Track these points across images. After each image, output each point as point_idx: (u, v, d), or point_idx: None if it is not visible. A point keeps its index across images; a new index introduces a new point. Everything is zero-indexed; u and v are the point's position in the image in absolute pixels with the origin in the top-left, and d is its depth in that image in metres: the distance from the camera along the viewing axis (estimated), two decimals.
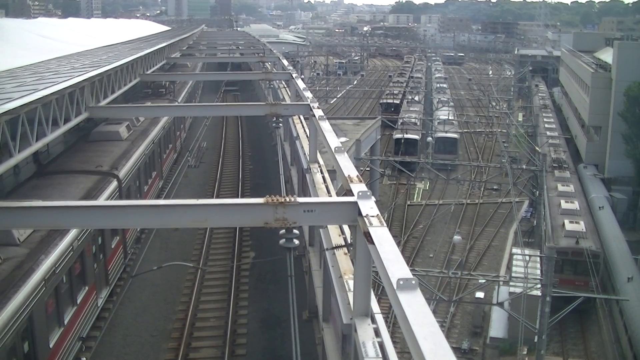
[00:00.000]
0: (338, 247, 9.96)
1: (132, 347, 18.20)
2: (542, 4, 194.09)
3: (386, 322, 7.13)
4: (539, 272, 26.25)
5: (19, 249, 14.02)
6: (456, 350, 25.91)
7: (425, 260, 34.91)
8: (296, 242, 8.80)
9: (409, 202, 44.69)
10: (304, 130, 19.17)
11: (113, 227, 18.31)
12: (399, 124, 55.27)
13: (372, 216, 6.98)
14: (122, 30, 59.57)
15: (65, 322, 14.87)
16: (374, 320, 7.37)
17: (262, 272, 22.43)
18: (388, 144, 57.12)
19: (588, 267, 26.66)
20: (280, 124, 22.31)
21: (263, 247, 24.06)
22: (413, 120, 57.23)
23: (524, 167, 41.46)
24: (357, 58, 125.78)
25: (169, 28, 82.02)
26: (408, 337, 4.90)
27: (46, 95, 15.22)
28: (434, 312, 27.37)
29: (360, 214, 7.22)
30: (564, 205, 33.81)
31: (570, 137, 54.54)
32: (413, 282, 5.45)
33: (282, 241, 8.74)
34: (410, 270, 5.77)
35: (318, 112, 14.73)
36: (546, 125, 56.07)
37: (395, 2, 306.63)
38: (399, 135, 51.85)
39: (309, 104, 16.50)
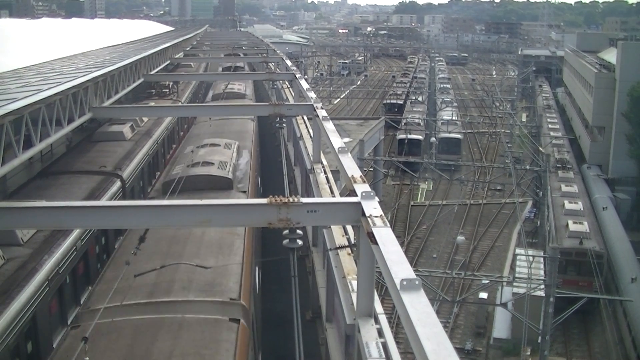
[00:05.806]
0: (341, 247, 9.94)
1: None
2: (545, 4, 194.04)
3: (389, 322, 7.11)
4: (542, 272, 26.24)
5: (23, 249, 14.01)
6: (459, 350, 25.91)
7: (429, 261, 34.91)
8: (299, 242, 8.79)
9: (412, 203, 44.70)
10: (308, 131, 19.15)
11: (116, 228, 18.32)
12: (403, 124, 55.32)
13: (376, 216, 6.95)
14: (125, 30, 59.58)
15: (69, 322, 14.87)
16: (377, 321, 7.34)
17: (264, 272, 22.40)
18: (391, 144, 57.14)
19: (592, 267, 26.62)
20: (284, 124, 22.29)
21: (266, 247, 24.04)
22: (416, 120, 57.29)
23: (528, 167, 41.47)
24: (360, 58, 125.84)
25: (173, 28, 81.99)
26: (411, 338, 4.89)
27: (50, 96, 15.22)
28: (438, 312, 27.30)
29: (363, 214, 7.20)
30: (568, 205, 33.76)
31: (573, 137, 54.48)
32: (416, 282, 5.43)
33: (285, 241, 8.73)
34: (414, 270, 5.75)
35: (321, 113, 14.69)
36: (550, 126, 56.03)
37: (399, 3, 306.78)
38: (402, 136, 51.88)
39: (312, 104, 16.46)
